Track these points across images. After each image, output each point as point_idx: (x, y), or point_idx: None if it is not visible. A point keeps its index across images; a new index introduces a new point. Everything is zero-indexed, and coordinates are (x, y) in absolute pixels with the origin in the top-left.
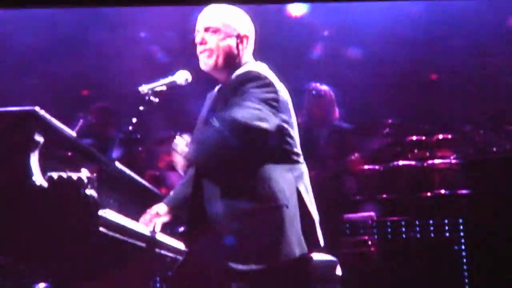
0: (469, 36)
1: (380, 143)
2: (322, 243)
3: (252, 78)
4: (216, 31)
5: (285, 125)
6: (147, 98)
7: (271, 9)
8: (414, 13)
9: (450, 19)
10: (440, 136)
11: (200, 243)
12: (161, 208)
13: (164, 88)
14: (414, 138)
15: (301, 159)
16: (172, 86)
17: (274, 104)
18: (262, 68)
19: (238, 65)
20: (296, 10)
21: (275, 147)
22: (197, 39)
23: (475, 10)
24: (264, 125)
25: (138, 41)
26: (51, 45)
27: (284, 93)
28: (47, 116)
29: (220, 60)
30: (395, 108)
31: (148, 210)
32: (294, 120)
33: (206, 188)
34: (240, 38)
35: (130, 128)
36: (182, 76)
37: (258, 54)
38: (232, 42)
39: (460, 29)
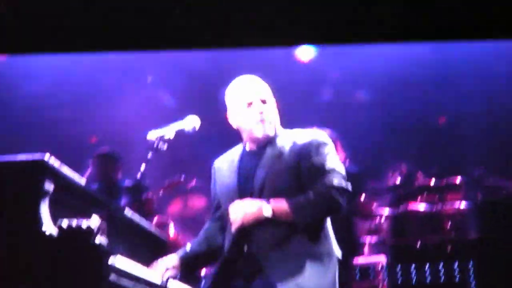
0: (478, 78)
1: (389, 186)
2: None
3: (323, 140)
4: (267, 103)
5: None
6: (155, 145)
7: (280, 54)
8: (422, 55)
9: (458, 62)
10: (450, 180)
11: None
12: (173, 260)
13: (172, 135)
14: (424, 181)
15: None
16: (180, 133)
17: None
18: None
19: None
20: (305, 54)
21: None
22: (254, 110)
23: (483, 53)
24: (348, 184)
25: (145, 86)
26: (59, 91)
27: None
28: (56, 164)
29: (274, 128)
30: (404, 152)
31: (160, 259)
32: None
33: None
34: (275, 104)
35: (139, 175)
36: (190, 123)
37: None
38: (276, 111)
39: (469, 71)
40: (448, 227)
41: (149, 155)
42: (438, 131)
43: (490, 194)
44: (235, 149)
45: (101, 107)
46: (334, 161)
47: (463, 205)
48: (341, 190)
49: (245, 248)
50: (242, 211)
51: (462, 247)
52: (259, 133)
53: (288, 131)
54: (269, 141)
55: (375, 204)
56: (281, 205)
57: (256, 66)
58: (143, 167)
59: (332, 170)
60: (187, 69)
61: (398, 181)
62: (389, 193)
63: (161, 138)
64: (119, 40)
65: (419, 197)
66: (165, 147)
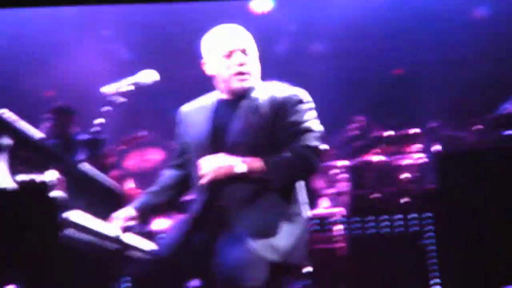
0: (434, 30)
1: (346, 138)
2: None
3: (302, 98)
4: (248, 53)
5: None
6: (112, 98)
7: (235, 6)
8: (378, 7)
9: (414, 13)
10: (407, 132)
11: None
12: (129, 211)
13: (129, 88)
14: (381, 133)
15: None
16: (137, 86)
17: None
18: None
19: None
20: (260, 6)
21: None
22: (233, 61)
23: (438, 4)
24: (323, 145)
25: (102, 39)
26: (15, 45)
27: None
28: (13, 117)
29: (255, 80)
30: (361, 103)
31: (116, 212)
32: None
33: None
34: (256, 54)
35: (96, 129)
36: (148, 76)
37: None
38: (258, 63)
39: (424, 23)
40: (405, 178)
41: (105, 108)
42: (394, 83)
43: (446, 145)
44: (207, 97)
45: (57, 61)
46: (311, 119)
47: (420, 156)
48: (317, 150)
49: (215, 202)
50: (215, 165)
51: (419, 199)
52: (237, 85)
53: (265, 83)
54: (246, 93)
55: (332, 155)
56: (255, 161)
57: (212, 19)
58: (99, 120)
59: (309, 129)
60: (143, 22)
61: (355, 134)
62: (347, 146)
63: (117, 92)
64: None
65: (376, 149)
66: (120, 100)
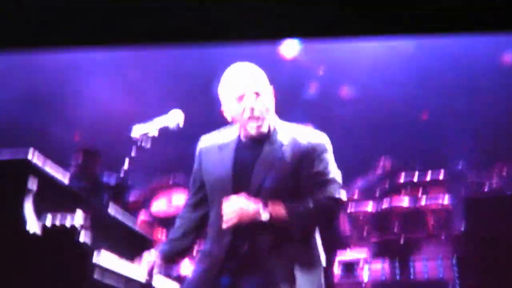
0: (461, 75)
1: (372, 182)
2: None
3: (327, 147)
4: (260, 95)
5: None
6: (139, 143)
7: (263, 51)
8: (405, 51)
9: (441, 57)
10: (432, 176)
11: None
12: (154, 256)
13: (156, 133)
14: (406, 177)
15: None
16: (164, 130)
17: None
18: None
19: (271, 120)
20: (289, 51)
21: None
22: (245, 105)
23: (466, 48)
24: (344, 195)
25: (129, 83)
26: (43, 89)
27: None
28: (40, 161)
29: (267, 126)
30: (387, 147)
31: (142, 256)
32: None
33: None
34: (271, 95)
35: (122, 172)
36: (174, 118)
37: None
38: (271, 103)
39: (452, 68)
40: (432, 222)
41: (133, 152)
42: (421, 127)
43: (473, 190)
44: (226, 134)
45: (84, 105)
46: (334, 169)
47: (446, 200)
48: (340, 201)
49: (238, 247)
50: (238, 210)
51: (445, 243)
52: (252, 132)
53: (287, 125)
54: (267, 136)
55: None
56: (279, 210)
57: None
58: (126, 164)
59: (333, 180)
60: (171, 66)
61: (381, 177)
62: (373, 189)
63: (145, 135)
64: (102, 36)
65: (402, 192)
66: (148, 144)
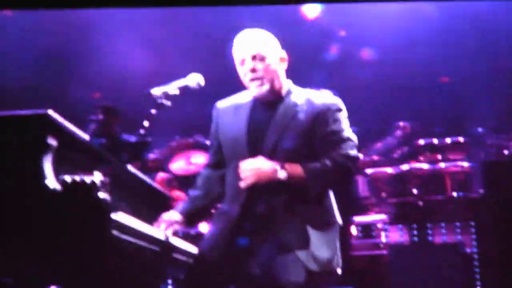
0: (483, 38)
1: (392, 145)
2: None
3: (341, 107)
4: (262, 58)
5: None
6: (159, 101)
7: (285, 10)
8: (428, 15)
9: (464, 22)
10: (452, 139)
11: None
12: (175, 215)
13: (177, 92)
14: (426, 141)
15: None
16: (184, 90)
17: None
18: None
19: (284, 84)
20: (311, 11)
21: None
22: (246, 68)
23: (489, 13)
24: (359, 154)
25: (151, 42)
26: (62, 47)
27: None
28: (60, 119)
29: (270, 86)
30: (407, 110)
31: (162, 216)
32: None
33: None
34: (281, 59)
35: (142, 131)
36: (195, 80)
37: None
38: (277, 66)
39: (474, 32)
40: (451, 186)
41: (152, 111)
42: (442, 89)
43: (492, 153)
44: (242, 96)
45: (104, 62)
46: (349, 129)
47: (465, 164)
48: (356, 160)
49: (255, 207)
50: (256, 170)
51: (464, 207)
52: (254, 91)
53: (300, 89)
54: (281, 97)
55: (377, 162)
56: (296, 169)
57: (261, 23)
58: (146, 123)
59: (348, 139)
60: (192, 24)
61: (401, 139)
62: (393, 153)
63: (165, 94)
64: None
65: (421, 157)
66: (168, 103)
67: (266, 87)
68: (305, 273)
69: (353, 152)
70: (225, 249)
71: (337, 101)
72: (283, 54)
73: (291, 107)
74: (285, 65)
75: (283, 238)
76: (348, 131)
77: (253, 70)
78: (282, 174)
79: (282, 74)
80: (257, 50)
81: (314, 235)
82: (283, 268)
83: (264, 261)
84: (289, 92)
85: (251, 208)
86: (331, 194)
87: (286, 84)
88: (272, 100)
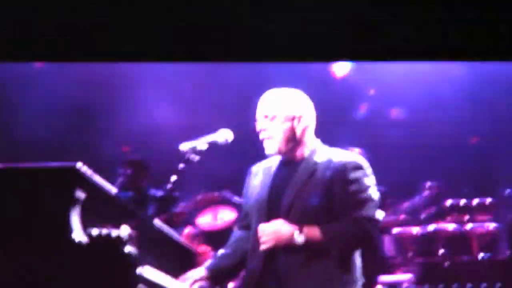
0: (510, 98)
1: (419, 205)
2: None
3: (361, 164)
4: (273, 118)
5: None
6: (187, 156)
7: (315, 68)
8: (456, 74)
9: (492, 81)
10: (479, 200)
11: None
12: (201, 271)
13: (205, 147)
14: (453, 201)
15: None
16: (213, 145)
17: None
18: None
19: (303, 144)
20: (341, 69)
21: None
22: (258, 127)
23: None
24: (381, 215)
25: (180, 97)
26: (92, 99)
27: None
28: (89, 171)
29: (282, 145)
30: (434, 171)
31: (189, 272)
32: None
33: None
34: (297, 119)
35: (169, 186)
36: (223, 136)
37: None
38: (290, 124)
39: (502, 91)
40: (477, 247)
41: (180, 165)
42: (470, 151)
43: None
44: (274, 159)
45: (134, 116)
46: (370, 188)
47: (492, 226)
48: (377, 222)
49: (272, 266)
50: (274, 234)
51: (490, 268)
52: (266, 151)
53: (326, 148)
54: (304, 157)
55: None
56: (315, 233)
57: (291, 81)
58: (173, 177)
59: (368, 200)
60: (223, 82)
61: (428, 200)
62: (420, 212)
63: (193, 149)
64: (154, 49)
65: (448, 217)
66: (196, 158)
67: (275, 146)
68: None
69: (374, 213)
70: None
71: (357, 159)
72: (300, 112)
73: (311, 166)
74: (304, 124)
75: None
76: (369, 191)
77: (261, 130)
78: (300, 238)
79: (299, 132)
80: (267, 111)
81: None
82: None
83: None
84: (313, 152)
85: (269, 268)
86: (358, 255)
87: (311, 144)
88: (295, 160)
